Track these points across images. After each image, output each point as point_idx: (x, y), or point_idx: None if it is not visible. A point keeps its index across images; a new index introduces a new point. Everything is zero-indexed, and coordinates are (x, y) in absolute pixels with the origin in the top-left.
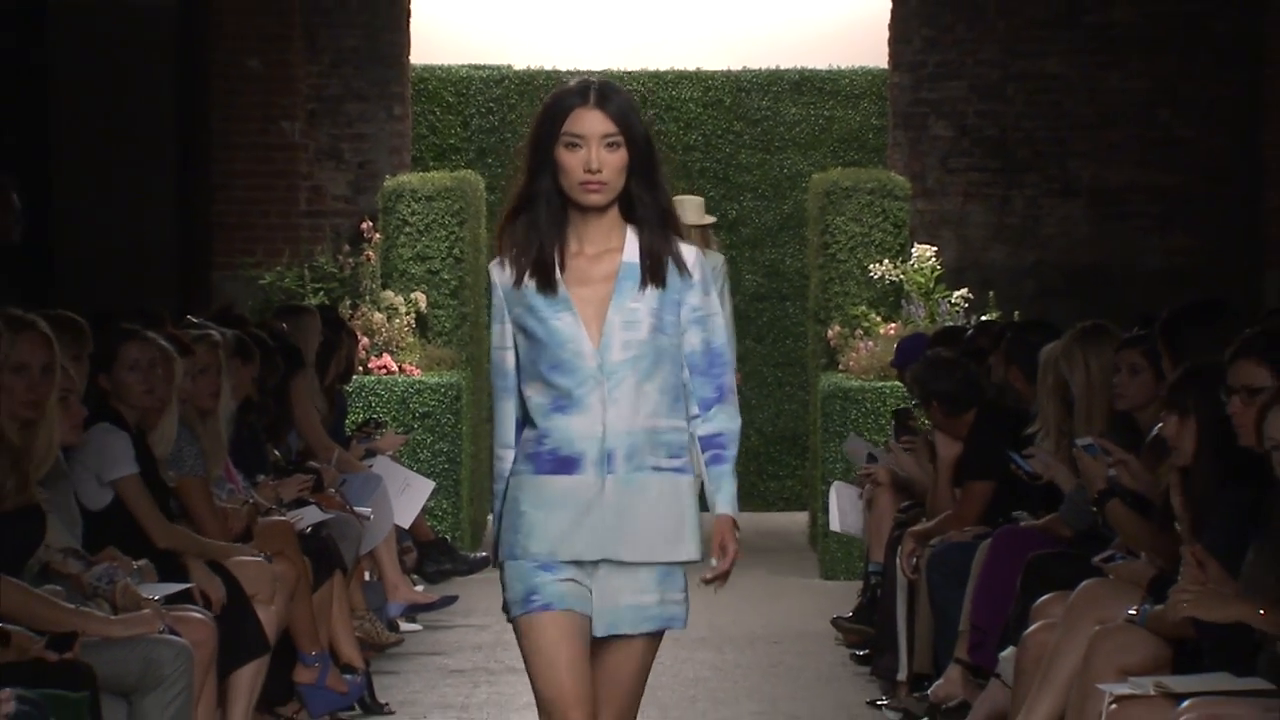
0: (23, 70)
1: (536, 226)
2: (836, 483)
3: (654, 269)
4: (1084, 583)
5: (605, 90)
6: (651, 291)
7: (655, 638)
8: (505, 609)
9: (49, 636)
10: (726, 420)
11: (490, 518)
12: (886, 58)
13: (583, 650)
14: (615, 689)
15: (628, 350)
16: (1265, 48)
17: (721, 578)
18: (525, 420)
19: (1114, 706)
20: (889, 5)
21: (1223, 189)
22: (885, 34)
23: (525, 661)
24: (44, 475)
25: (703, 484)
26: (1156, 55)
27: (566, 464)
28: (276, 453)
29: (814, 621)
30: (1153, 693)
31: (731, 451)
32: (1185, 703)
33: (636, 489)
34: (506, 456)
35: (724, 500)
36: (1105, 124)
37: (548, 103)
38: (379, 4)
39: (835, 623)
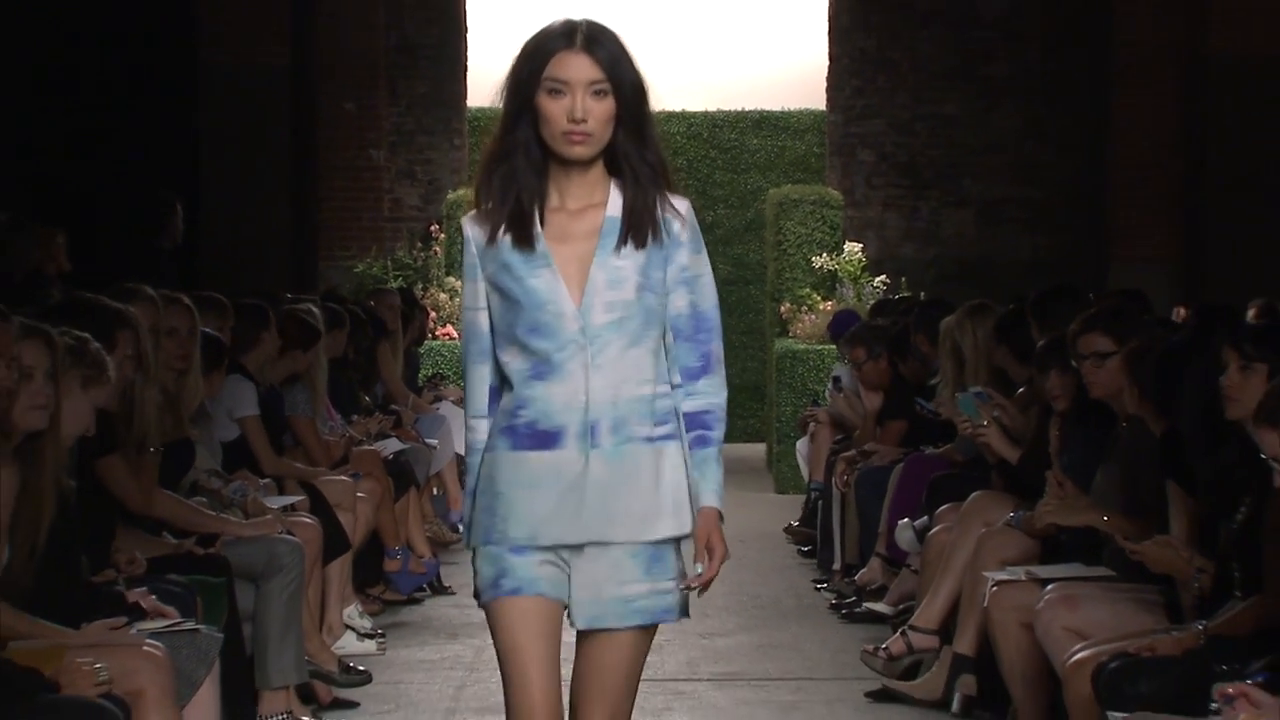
0: (180, 114)
1: (514, 178)
2: (799, 441)
3: (637, 226)
4: (973, 495)
5: (594, 32)
6: (638, 249)
7: (647, 630)
8: (476, 595)
9: (196, 536)
10: (713, 394)
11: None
12: (825, 101)
13: (552, 642)
14: (604, 685)
15: (612, 311)
16: (1110, 96)
17: (706, 583)
18: (501, 388)
19: (995, 589)
20: (826, 62)
21: (1076, 201)
22: (824, 83)
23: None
24: (192, 414)
25: None
26: (1027, 100)
27: (546, 438)
28: (367, 398)
29: (770, 526)
30: (1024, 578)
31: (718, 432)
32: (1049, 586)
33: (624, 463)
34: (480, 427)
35: (709, 490)
36: (988, 152)
37: (529, 44)
38: (443, 61)
39: (786, 528)
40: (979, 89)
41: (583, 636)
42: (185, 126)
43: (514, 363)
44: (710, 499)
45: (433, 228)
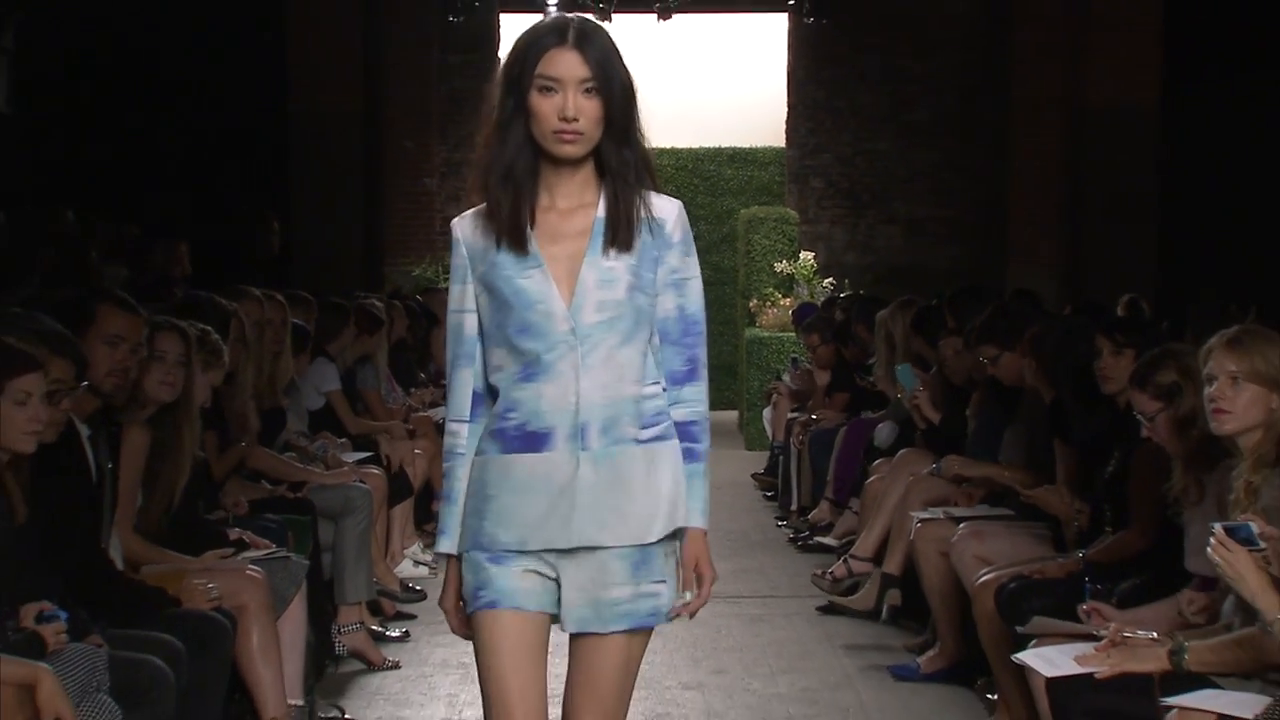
0: (275, 150)
1: (508, 178)
2: (765, 409)
3: (623, 228)
4: (901, 451)
5: (585, 29)
6: (624, 250)
7: (637, 634)
8: (463, 602)
9: (288, 484)
10: (698, 402)
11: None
12: (785, 140)
13: (533, 655)
14: (595, 689)
15: (603, 311)
16: (1009, 136)
17: (694, 611)
18: (487, 393)
19: (919, 525)
20: (786, 109)
21: (982, 219)
22: (784, 125)
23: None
24: (284, 388)
25: None
26: (943, 140)
27: (535, 440)
28: (422, 374)
29: (741, 476)
30: (942, 517)
31: (704, 444)
32: (962, 523)
33: (614, 465)
34: (460, 431)
35: (696, 509)
36: (912, 180)
37: (521, 41)
38: (482, 108)
39: (753, 476)
40: (905, 130)
41: (574, 640)
42: (280, 160)
43: (503, 365)
44: (696, 519)
45: None
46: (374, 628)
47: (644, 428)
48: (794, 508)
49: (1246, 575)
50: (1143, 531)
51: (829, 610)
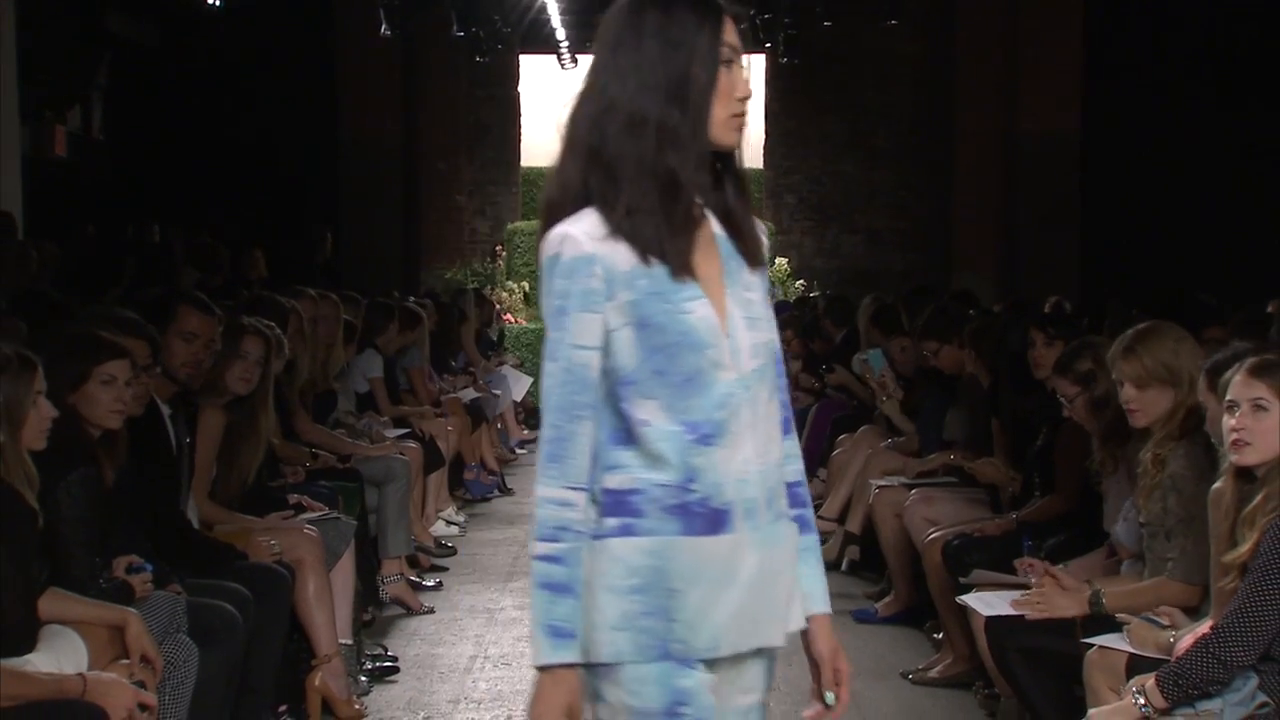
0: (327, 171)
1: (681, 179)
2: None
3: (754, 246)
4: (861, 428)
5: None
6: (755, 270)
7: None
8: None
9: (338, 456)
10: (798, 457)
11: (536, 595)
12: (763, 162)
13: None
14: None
15: (756, 356)
16: (953, 159)
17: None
18: (608, 452)
19: (877, 491)
20: (764, 135)
21: (931, 230)
22: (762, 150)
23: None
24: (336, 374)
25: None
26: (898, 163)
27: (719, 520)
28: (453, 361)
29: None
30: (897, 485)
31: (812, 511)
32: (914, 490)
33: (777, 547)
34: (578, 503)
35: (821, 591)
36: (872, 198)
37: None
38: (504, 135)
39: None
40: (866, 155)
41: None
42: (330, 179)
43: (664, 423)
44: (822, 603)
45: (497, 248)
46: (412, 578)
47: (785, 499)
48: None
49: (1056, 601)
50: (1067, 497)
51: None
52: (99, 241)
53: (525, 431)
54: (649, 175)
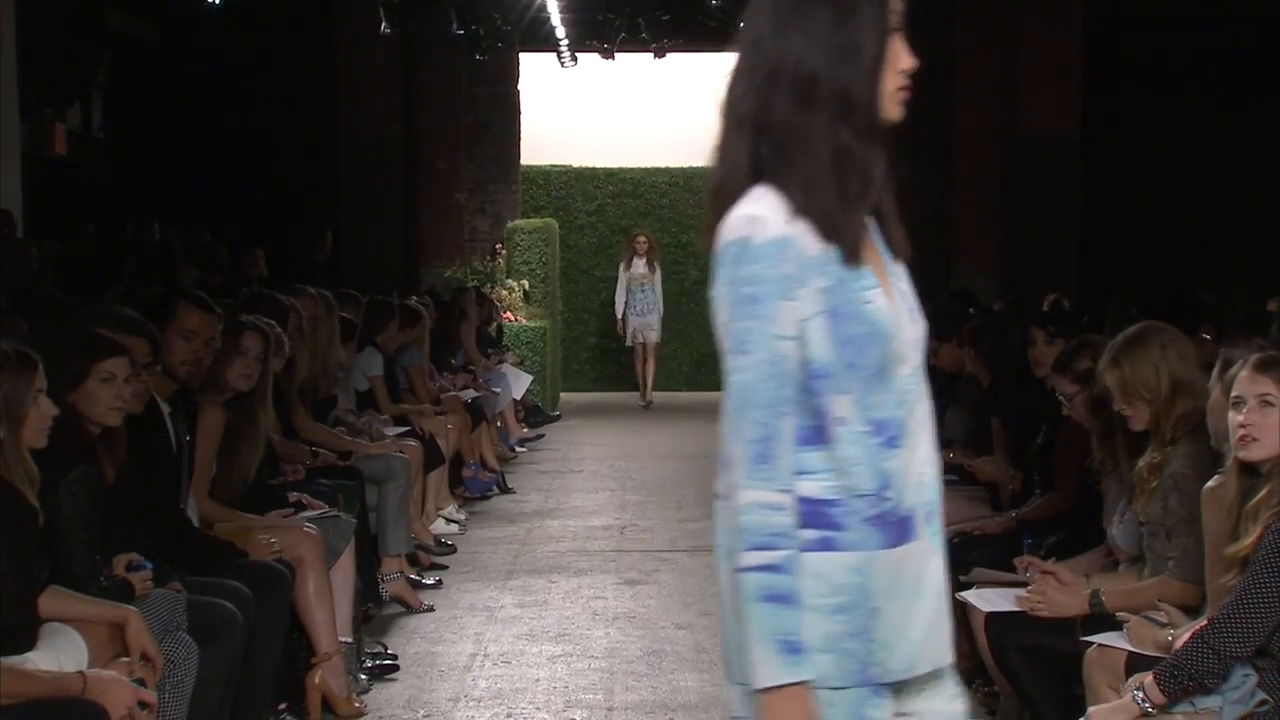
0: (327, 170)
1: (872, 161)
2: None
3: (901, 232)
4: None
5: None
6: (899, 260)
7: None
8: None
9: (339, 453)
10: None
11: (726, 619)
12: None
13: None
14: None
15: (917, 350)
16: (953, 158)
17: None
18: (805, 451)
19: None
20: None
21: (932, 229)
22: None
23: None
24: (336, 377)
25: None
26: (899, 162)
27: (906, 528)
28: (453, 360)
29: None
30: None
31: None
32: None
33: (942, 557)
34: (789, 505)
35: None
36: None
37: None
38: (504, 134)
39: None
40: None
41: None
42: (330, 178)
43: (856, 423)
44: None
45: (497, 246)
46: (412, 576)
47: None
48: None
49: (1056, 599)
50: (1066, 495)
51: None
52: (99, 240)
53: (525, 430)
54: (824, 148)
